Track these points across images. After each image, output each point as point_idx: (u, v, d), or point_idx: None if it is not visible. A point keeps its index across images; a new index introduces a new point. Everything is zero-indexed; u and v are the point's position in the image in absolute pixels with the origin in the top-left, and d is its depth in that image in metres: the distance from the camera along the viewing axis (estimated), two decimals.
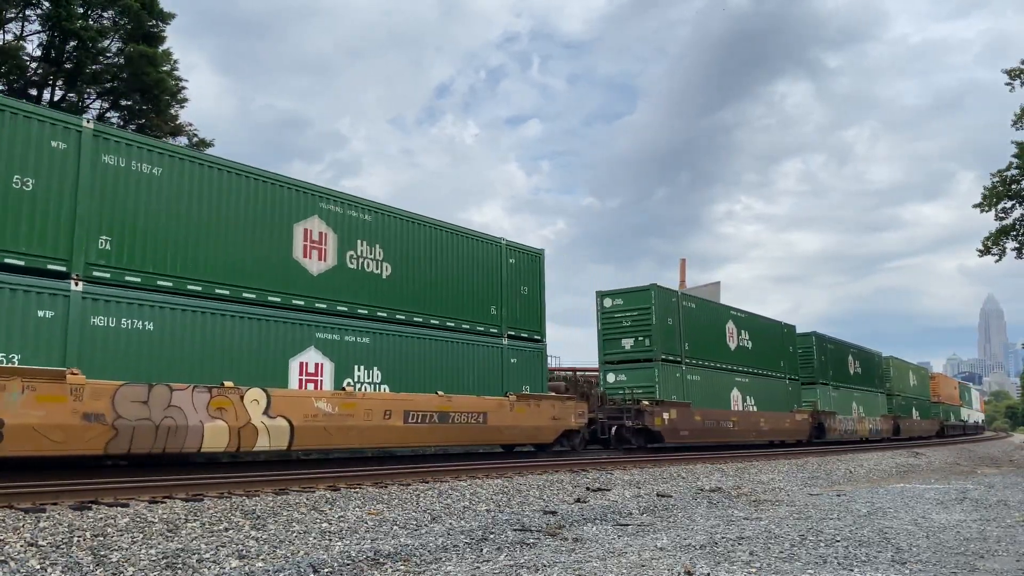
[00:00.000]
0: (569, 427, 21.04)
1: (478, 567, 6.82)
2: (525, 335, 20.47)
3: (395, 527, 9.19)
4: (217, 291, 13.81)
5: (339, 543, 7.98)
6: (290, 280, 15.06)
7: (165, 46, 30.08)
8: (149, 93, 29.06)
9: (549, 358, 22.66)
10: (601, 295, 26.28)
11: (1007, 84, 32.18)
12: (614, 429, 23.82)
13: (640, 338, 25.06)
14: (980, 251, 35.03)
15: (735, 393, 28.90)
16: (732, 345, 29.53)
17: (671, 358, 25.57)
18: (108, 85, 29.43)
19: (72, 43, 27.75)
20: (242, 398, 13.33)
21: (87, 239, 12.24)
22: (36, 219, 11.74)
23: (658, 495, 13.75)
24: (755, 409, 29.80)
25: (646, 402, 23.74)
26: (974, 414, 77.01)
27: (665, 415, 23.91)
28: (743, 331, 30.38)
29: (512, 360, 19.80)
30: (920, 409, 53.30)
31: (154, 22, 29.35)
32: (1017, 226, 34.22)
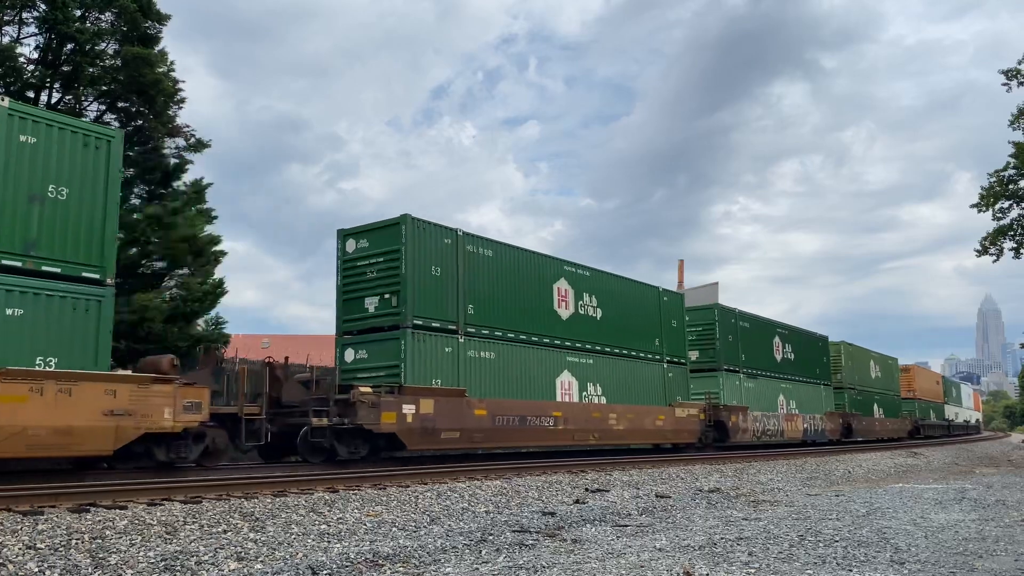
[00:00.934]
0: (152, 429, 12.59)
1: (477, 568, 6.82)
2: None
3: (394, 528, 9.19)
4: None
5: (338, 545, 7.97)
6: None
7: (161, 47, 30.05)
8: (146, 95, 29.01)
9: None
10: (343, 234, 18.40)
11: (1004, 85, 32.27)
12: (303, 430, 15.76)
13: (387, 296, 17.25)
14: (978, 251, 35.08)
15: (566, 378, 20.95)
16: (564, 314, 21.49)
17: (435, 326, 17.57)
18: (105, 87, 29.39)
19: (69, 46, 27.72)
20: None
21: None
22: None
23: (657, 496, 13.76)
24: (603, 401, 22.02)
25: (365, 388, 15.84)
26: (964, 412, 71.85)
27: (409, 409, 16.10)
28: (588, 295, 22.47)
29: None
30: (886, 406, 46.44)
31: (150, 23, 29.31)
32: (1014, 226, 34.28)
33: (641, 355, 24.05)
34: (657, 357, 24.83)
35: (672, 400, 24.92)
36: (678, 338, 26.23)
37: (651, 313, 25.02)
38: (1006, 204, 34.18)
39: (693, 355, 27.62)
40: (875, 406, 44.68)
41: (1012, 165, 33.48)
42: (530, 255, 20.83)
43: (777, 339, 33.90)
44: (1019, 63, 32.13)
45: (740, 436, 28.01)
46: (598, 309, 22.61)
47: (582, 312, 21.99)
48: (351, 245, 18.08)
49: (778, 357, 33.67)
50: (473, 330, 18.37)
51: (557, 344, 20.89)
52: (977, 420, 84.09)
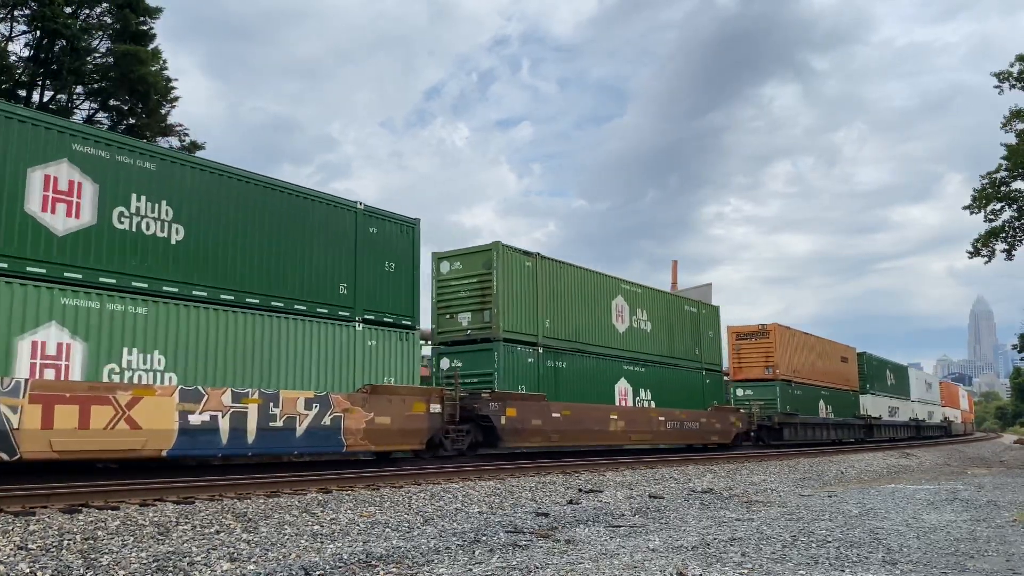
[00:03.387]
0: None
1: (470, 569, 6.82)
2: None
3: (387, 529, 9.18)
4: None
5: (331, 545, 7.96)
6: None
7: (154, 45, 29.93)
8: (139, 93, 28.89)
9: None
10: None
11: (996, 87, 32.42)
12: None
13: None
14: (970, 252, 35.26)
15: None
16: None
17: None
18: (97, 85, 29.27)
19: (60, 43, 27.59)
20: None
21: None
22: None
23: (650, 496, 13.78)
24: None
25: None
26: (940, 411, 60.85)
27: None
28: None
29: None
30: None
31: (141, 19, 29.17)
32: (1006, 228, 34.46)
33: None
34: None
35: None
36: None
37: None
38: (998, 206, 34.37)
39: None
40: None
41: (1004, 167, 33.66)
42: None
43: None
44: (1011, 65, 32.31)
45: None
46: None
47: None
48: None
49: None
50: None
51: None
52: (952, 419, 66.71)
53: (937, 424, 59.46)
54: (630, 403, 23.21)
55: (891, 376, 48.39)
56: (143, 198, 12.88)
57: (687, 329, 27.19)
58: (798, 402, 34.01)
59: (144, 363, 12.29)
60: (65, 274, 11.66)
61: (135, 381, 12.06)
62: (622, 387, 23.05)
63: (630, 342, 23.71)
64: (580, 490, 14.11)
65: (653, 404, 24.18)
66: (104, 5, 28.63)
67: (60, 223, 11.83)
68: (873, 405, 43.11)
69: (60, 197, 11.92)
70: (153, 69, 29.04)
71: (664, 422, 24.02)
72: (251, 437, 13.15)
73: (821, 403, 36.83)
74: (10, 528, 7.72)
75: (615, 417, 21.96)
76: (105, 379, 11.74)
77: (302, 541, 8.12)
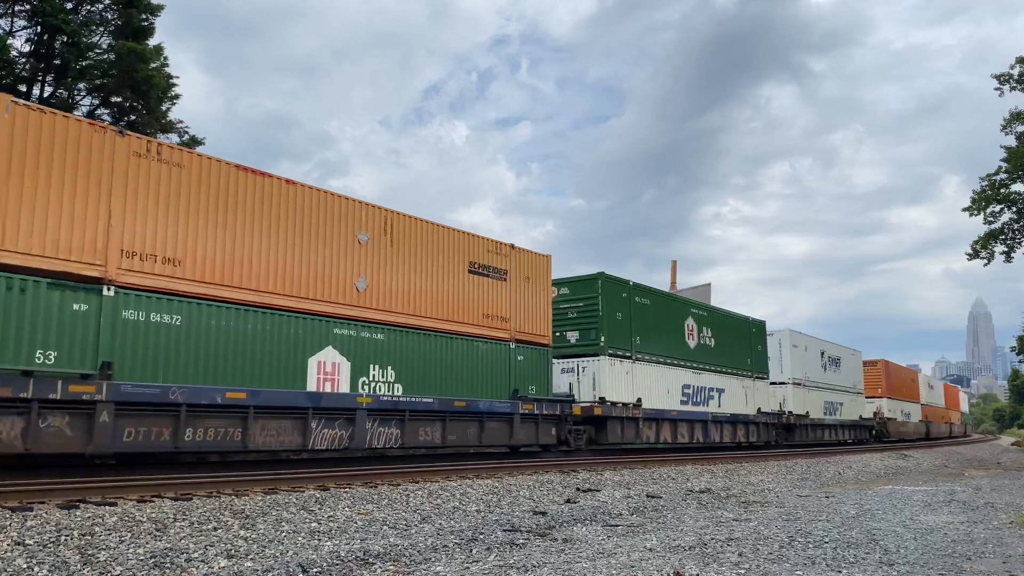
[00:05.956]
0: None
1: (467, 567, 6.82)
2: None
3: (385, 527, 9.18)
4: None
5: (328, 543, 7.96)
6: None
7: (156, 42, 29.90)
8: (140, 89, 28.86)
9: None
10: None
11: (996, 89, 32.43)
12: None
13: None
14: (969, 255, 35.26)
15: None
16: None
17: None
18: (98, 81, 29.23)
19: (61, 39, 27.56)
20: None
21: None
22: None
23: (648, 496, 13.78)
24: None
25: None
26: (859, 406, 42.70)
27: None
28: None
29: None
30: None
31: (143, 16, 29.14)
32: (1005, 230, 34.47)
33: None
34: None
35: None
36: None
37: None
38: (997, 208, 34.38)
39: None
40: None
41: (1004, 169, 33.67)
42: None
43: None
44: (1011, 67, 32.31)
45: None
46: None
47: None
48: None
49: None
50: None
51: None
52: (882, 417, 46.58)
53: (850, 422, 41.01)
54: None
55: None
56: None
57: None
58: None
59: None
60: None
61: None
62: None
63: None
64: (578, 489, 14.11)
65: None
66: (106, 1, 28.60)
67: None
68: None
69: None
70: (154, 66, 29.02)
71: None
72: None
73: None
74: (7, 523, 7.72)
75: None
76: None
77: (300, 538, 8.12)
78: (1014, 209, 34.23)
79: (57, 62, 27.94)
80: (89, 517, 8.29)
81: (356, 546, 7.77)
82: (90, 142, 11.84)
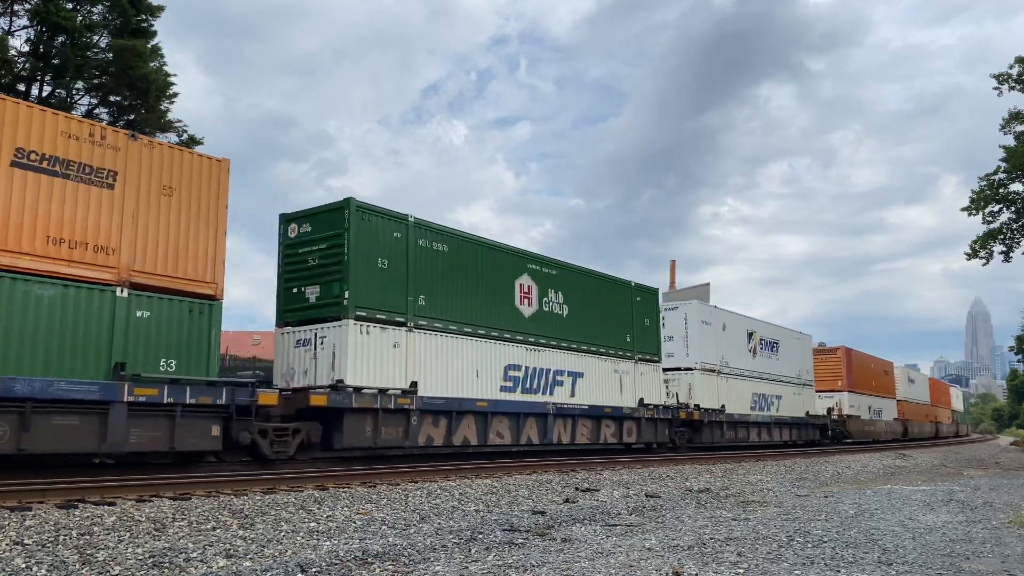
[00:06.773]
0: None
1: (466, 567, 6.82)
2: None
3: (384, 527, 9.18)
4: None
5: (327, 542, 7.96)
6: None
7: (155, 42, 29.89)
8: (138, 89, 28.86)
9: None
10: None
11: (995, 88, 32.43)
12: None
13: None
14: (968, 254, 35.27)
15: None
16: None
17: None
18: (97, 81, 29.22)
19: (60, 38, 27.55)
20: None
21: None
22: None
23: (647, 495, 13.79)
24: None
25: None
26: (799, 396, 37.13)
27: None
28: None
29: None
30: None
31: (142, 16, 29.14)
32: (1004, 229, 34.49)
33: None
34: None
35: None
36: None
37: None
38: (996, 208, 34.39)
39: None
40: None
41: (1003, 169, 33.68)
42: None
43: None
44: (1010, 67, 32.32)
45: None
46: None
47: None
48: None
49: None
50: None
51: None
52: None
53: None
54: None
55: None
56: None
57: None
58: None
59: None
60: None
61: None
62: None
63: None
64: (577, 488, 14.12)
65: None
66: (106, 3, 28.58)
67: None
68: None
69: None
70: (153, 66, 29.01)
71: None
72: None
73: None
74: (6, 523, 7.72)
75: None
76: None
77: (298, 538, 8.12)
78: (1013, 209, 34.25)
79: (56, 61, 27.93)
80: (88, 517, 8.29)
81: (355, 546, 7.77)
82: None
